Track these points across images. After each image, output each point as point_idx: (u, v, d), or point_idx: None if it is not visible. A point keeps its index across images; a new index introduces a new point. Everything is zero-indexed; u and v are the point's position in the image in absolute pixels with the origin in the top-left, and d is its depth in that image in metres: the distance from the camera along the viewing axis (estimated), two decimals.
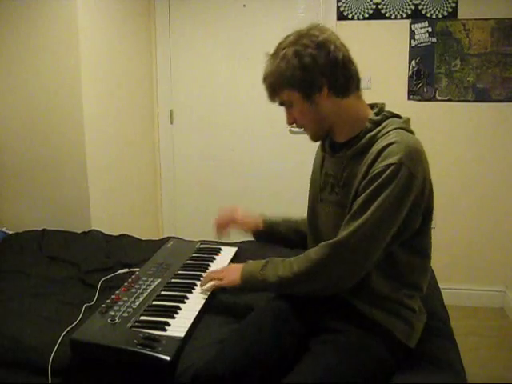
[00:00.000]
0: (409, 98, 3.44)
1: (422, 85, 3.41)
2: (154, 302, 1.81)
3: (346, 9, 3.42)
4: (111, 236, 2.78)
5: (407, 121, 1.59)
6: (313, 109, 1.55)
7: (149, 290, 1.90)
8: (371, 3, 3.39)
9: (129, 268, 2.28)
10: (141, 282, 1.97)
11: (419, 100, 3.44)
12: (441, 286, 2.21)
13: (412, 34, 3.37)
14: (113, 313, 1.71)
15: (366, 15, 3.41)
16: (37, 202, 3.03)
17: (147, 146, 3.75)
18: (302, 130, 1.65)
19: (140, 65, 3.60)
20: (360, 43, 3.45)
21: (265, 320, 1.61)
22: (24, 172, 3.01)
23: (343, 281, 1.50)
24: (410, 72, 3.42)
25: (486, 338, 3.12)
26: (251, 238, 2.07)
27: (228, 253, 2.31)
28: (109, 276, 2.20)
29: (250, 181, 3.78)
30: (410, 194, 1.43)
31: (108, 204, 3.14)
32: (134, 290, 1.90)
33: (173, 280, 2.01)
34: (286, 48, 1.51)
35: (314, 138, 1.66)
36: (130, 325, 1.64)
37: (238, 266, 1.74)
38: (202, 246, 2.44)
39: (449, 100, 3.41)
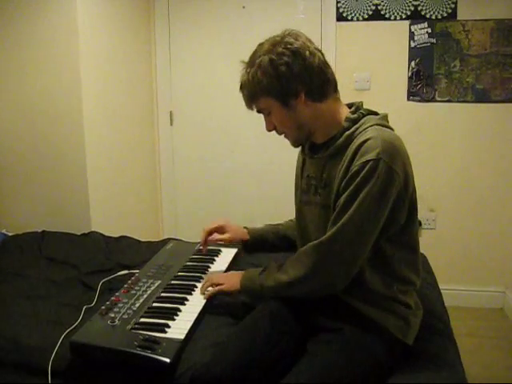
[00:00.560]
0: (408, 99, 3.44)
1: (421, 86, 3.41)
2: (154, 304, 1.81)
3: (346, 10, 3.42)
4: (111, 238, 2.78)
5: (384, 117, 1.59)
6: (291, 115, 1.57)
7: (149, 292, 1.90)
8: (370, 4, 3.39)
9: (129, 270, 2.28)
10: (141, 284, 1.97)
11: (419, 101, 3.44)
12: (441, 286, 2.21)
13: (411, 34, 3.37)
14: (113, 314, 1.71)
15: (366, 16, 3.41)
16: (36, 204, 3.03)
17: (147, 147, 3.75)
18: (283, 136, 1.66)
19: (140, 66, 3.60)
20: (359, 44, 3.45)
21: (262, 321, 1.62)
22: (24, 174, 3.01)
23: (337, 280, 1.52)
24: (410, 73, 3.42)
25: (485, 339, 3.12)
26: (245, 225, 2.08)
27: (228, 254, 2.31)
28: (109, 278, 2.20)
29: (249, 182, 3.78)
30: (391, 188, 1.44)
31: (108, 206, 3.14)
32: (133, 292, 1.90)
33: (173, 282, 2.01)
34: (262, 56, 1.52)
35: (295, 144, 1.68)
36: (129, 327, 1.64)
37: (238, 273, 1.78)
38: (201, 247, 2.43)
39: (448, 101, 3.41)
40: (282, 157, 3.57)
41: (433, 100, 3.42)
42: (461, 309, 3.35)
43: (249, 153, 3.75)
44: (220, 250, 2.35)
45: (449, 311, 1.97)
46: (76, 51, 2.80)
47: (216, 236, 2.01)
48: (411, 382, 1.46)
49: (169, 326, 1.65)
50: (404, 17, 3.37)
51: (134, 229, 3.27)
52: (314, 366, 1.44)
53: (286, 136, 1.66)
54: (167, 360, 1.49)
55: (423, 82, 3.40)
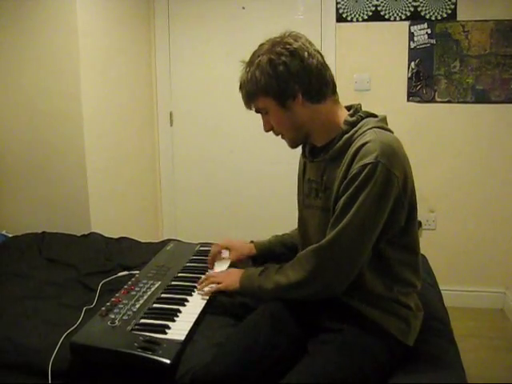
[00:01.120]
0: (408, 100, 3.45)
1: (421, 86, 3.41)
2: (154, 305, 1.81)
3: (345, 11, 3.42)
4: (111, 239, 2.78)
5: (383, 119, 1.59)
6: (288, 116, 1.57)
7: (149, 293, 1.90)
8: (370, 5, 3.39)
9: (129, 271, 2.28)
10: (141, 285, 1.97)
11: (418, 101, 3.44)
12: (441, 287, 2.21)
13: (411, 35, 3.37)
14: (113, 316, 1.71)
15: (365, 17, 3.41)
16: (36, 205, 3.03)
17: (147, 148, 3.75)
18: (279, 137, 1.67)
19: (139, 67, 3.60)
20: (359, 45, 3.45)
21: (262, 322, 1.62)
22: (24, 175, 3.01)
23: (336, 284, 1.52)
24: (410, 73, 3.42)
25: (485, 339, 3.12)
26: (250, 238, 2.12)
27: (228, 255, 2.30)
28: (109, 279, 2.20)
29: (249, 183, 3.78)
30: (390, 191, 1.44)
31: (108, 207, 3.14)
32: (133, 293, 1.89)
33: (173, 283, 2.01)
34: (261, 56, 1.54)
35: (292, 145, 1.68)
36: (130, 328, 1.64)
37: (238, 272, 1.78)
38: (201, 248, 2.44)
39: (448, 101, 3.41)
40: (281, 157, 3.56)
41: (433, 101, 3.42)
42: (461, 309, 3.35)
43: (248, 153, 3.75)
44: (220, 252, 2.35)
45: (449, 312, 1.97)
46: (76, 51, 2.80)
47: (224, 256, 2.10)
48: (411, 382, 1.46)
49: (169, 327, 1.65)
50: (404, 17, 3.37)
51: (133, 230, 3.27)
52: (313, 366, 1.44)
53: (282, 137, 1.66)
54: (167, 361, 1.49)
55: (423, 83, 3.41)
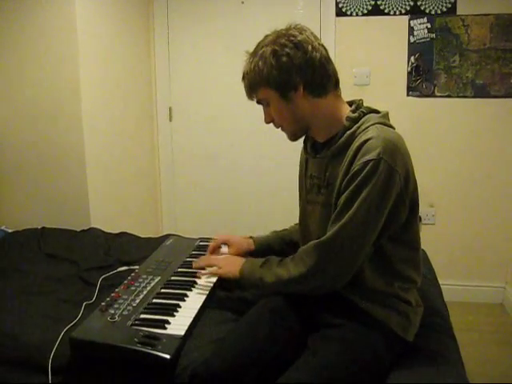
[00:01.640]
0: (408, 94, 3.44)
1: (420, 81, 3.41)
2: (154, 300, 1.81)
3: (345, 5, 3.41)
4: (111, 234, 2.78)
5: (385, 115, 1.59)
6: (289, 108, 1.57)
7: (148, 288, 1.90)
8: None
9: (128, 266, 2.28)
10: (140, 280, 1.97)
11: (418, 96, 3.43)
12: (441, 282, 2.22)
13: (411, 30, 3.36)
14: (112, 311, 1.71)
15: (365, 11, 3.40)
16: (36, 200, 3.03)
17: (146, 143, 3.75)
18: (279, 129, 1.66)
19: (139, 62, 3.59)
20: (359, 39, 3.45)
21: (262, 317, 1.62)
22: (23, 170, 3.01)
23: (337, 279, 1.52)
24: (409, 68, 3.41)
25: (485, 334, 3.13)
26: (250, 233, 2.11)
27: (226, 250, 2.30)
28: (108, 274, 2.20)
29: (249, 177, 3.78)
30: (391, 188, 1.44)
31: (107, 202, 3.14)
32: (133, 288, 1.89)
33: (172, 278, 2.01)
34: (265, 47, 1.54)
35: (292, 138, 1.67)
36: (129, 323, 1.64)
37: (239, 260, 1.77)
38: (201, 243, 2.44)
39: (448, 96, 3.40)
40: (281, 152, 3.57)
41: (432, 95, 3.42)
42: (461, 304, 3.36)
43: (248, 148, 3.75)
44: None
45: (448, 306, 1.98)
46: (75, 47, 2.79)
47: (223, 251, 2.07)
48: (411, 378, 1.46)
49: (169, 322, 1.65)
50: (403, 12, 3.36)
51: (133, 225, 3.28)
52: (314, 362, 1.44)
53: (282, 129, 1.66)
54: (167, 356, 1.49)
55: (423, 77, 3.40)
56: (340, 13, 3.43)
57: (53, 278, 2.24)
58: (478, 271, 3.55)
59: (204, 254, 2.20)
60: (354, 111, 1.58)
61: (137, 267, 2.15)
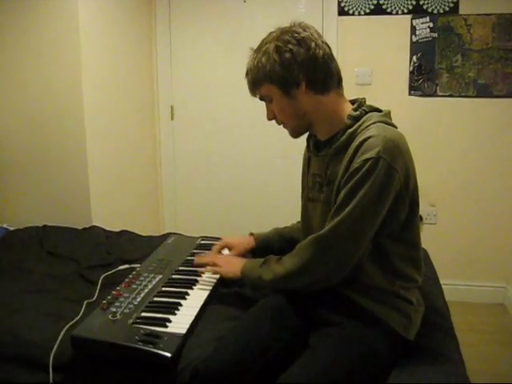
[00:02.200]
0: (410, 94, 3.44)
1: (422, 80, 3.41)
2: (155, 299, 1.81)
3: (347, 4, 3.41)
4: (112, 232, 2.78)
5: (387, 114, 1.59)
6: (291, 104, 1.57)
7: (150, 287, 1.90)
8: None
9: (129, 264, 2.27)
10: (142, 278, 1.97)
11: (420, 95, 3.43)
12: (441, 281, 2.21)
13: (413, 29, 3.36)
14: (114, 309, 1.71)
15: (367, 10, 3.40)
16: (37, 199, 3.03)
17: (148, 141, 3.75)
18: (282, 126, 1.67)
19: (140, 61, 3.59)
20: (361, 39, 3.45)
21: (263, 315, 1.63)
22: (25, 168, 3.01)
23: (332, 274, 1.52)
24: (411, 67, 3.41)
25: (486, 334, 3.13)
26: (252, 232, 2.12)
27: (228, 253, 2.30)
28: (110, 272, 2.20)
29: (250, 176, 3.78)
30: (390, 187, 1.44)
31: (109, 200, 3.14)
32: (134, 286, 1.90)
33: (174, 276, 2.01)
34: (268, 43, 1.55)
35: (294, 135, 1.68)
36: (131, 321, 1.64)
37: (240, 261, 1.79)
38: (202, 241, 2.44)
39: (450, 95, 3.40)
40: (283, 151, 3.57)
41: (434, 95, 3.41)
42: (461, 304, 3.35)
43: (250, 147, 3.75)
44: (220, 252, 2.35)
45: (449, 306, 1.97)
46: (77, 46, 2.79)
47: (225, 252, 2.09)
48: (412, 376, 1.46)
49: (170, 321, 1.65)
50: (406, 11, 3.36)
51: (134, 223, 3.27)
52: (315, 360, 1.44)
53: (284, 126, 1.66)
54: (168, 354, 1.49)
55: (425, 77, 3.40)
56: (342, 12, 3.43)
57: (54, 276, 2.24)
58: (478, 271, 3.55)
59: (205, 253, 2.20)
60: (355, 109, 1.58)
61: (138, 265, 2.15)
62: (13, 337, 1.72)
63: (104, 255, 2.47)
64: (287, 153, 3.52)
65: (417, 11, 3.34)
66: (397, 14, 3.37)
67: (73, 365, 1.61)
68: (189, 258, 2.21)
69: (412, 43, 3.38)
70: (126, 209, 3.36)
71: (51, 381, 1.59)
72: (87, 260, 2.39)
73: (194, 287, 1.90)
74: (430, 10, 3.32)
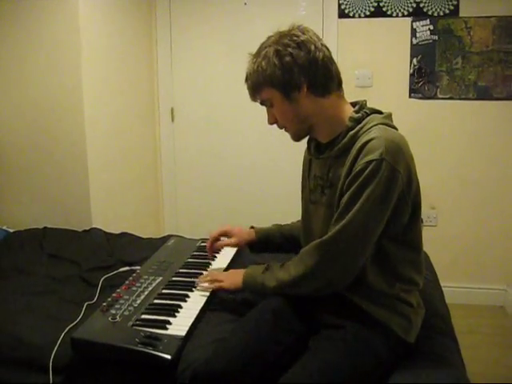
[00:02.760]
0: (410, 96, 3.44)
1: (423, 83, 3.41)
2: (155, 301, 1.81)
3: (347, 6, 3.41)
4: (112, 234, 2.78)
5: (389, 116, 1.59)
6: (293, 108, 1.57)
7: (150, 289, 1.90)
8: (372, 1, 3.38)
9: (130, 266, 2.28)
10: (142, 281, 1.97)
11: (420, 98, 3.43)
12: (442, 284, 2.21)
13: (413, 31, 3.36)
14: (114, 311, 1.71)
15: (368, 13, 3.40)
16: (38, 201, 3.03)
17: (148, 143, 3.75)
18: (283, 130, 1.66)
19: (141, 63, 3.59)
20: (361, 41, 3.45)
21: (264, 318, 1.62)
22: (25, 170, 3.01)
23: (338, 279, 1.52)
24: (412, 70, 3.41)
25: (486, 336, 3.12)
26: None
27: (229, 251, 2.31)
28: (110, 274, 2.20)
29: (251, 179, 3.78)
30: (393, 188, 1.44)
31: (109, 202, 3.14)
32: (135, 289, 1.90)
33: (174, 278, 2.01)
34: (268, 47, 1.54)
35: (295, 138, 1.67)
36: (131, 323, 1.64)
37: (240, 271, 1.78)
38: (203, 244, 2.43)
39: (450, 98, 3.40)
40: (283, 153, 3.57)
41: (434, 97, 3.42)
42: (462, 306, 3.35)
43: (250, 149, 3.75)
44: (218, 239, 2.34)
45: (450, 308, 1.97)
46: (77, 47, 2.79)
47: (223, 242, 2.04)
48: (412, 379, 1.46)
49: (170, 323, 1.65)
50: (406, 14, 3.36)
51: (135, 225, 3.27)
52: (315, 362, 1.44)
53: (286, 130, 1.66)
54: (168, 357, 1.49)
55: (425, 79, 3.40)
56: (342, 14, 3.43)
57: (54, 278, 2.24)
58: (479, 273, 3.55)
59: (205, 255, 2.20)
60: (357, 112, 1.58)
61: (138, 268, 2.15)
62: (13, 339, 1.72)
63: (104, 257, 2.47)
64: (287, 155, 3.52)
65: (417, 14, 3.35)
66: (397, 16, 3.38)
67: (73, 367, 1.61)
68: (189, 260, 2.22)
69: (412, 46, 3.39)
70: (126, 211, 3.36)
71: (51, 383, 1.59)
72: (87, 262, 2.39)
73: (194, 289, 1.90)
74: (430, 12, 3.33)
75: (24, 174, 3.02)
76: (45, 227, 2.82)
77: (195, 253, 2.31)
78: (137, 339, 1.55)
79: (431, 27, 3.33)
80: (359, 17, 3.42)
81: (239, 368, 1.46)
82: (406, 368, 1.51)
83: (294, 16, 3.51)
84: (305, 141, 1.73)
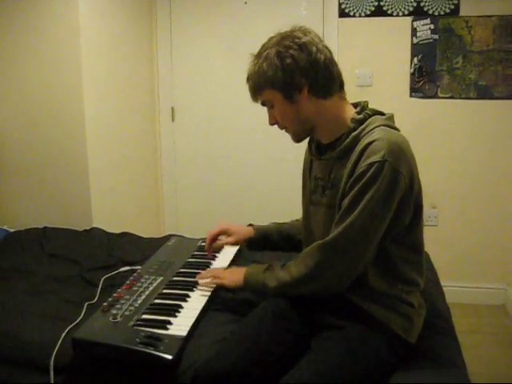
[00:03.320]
0: (411, 96, 3.44)
1: (423, 82, 3.40)
2: (156, 301, 1.81)
3: (348, 6, 3.41)
4: (113, 234, 2.78)
5: (391, 117, 1.59)
6: (293, 109, 1.57)
7: (151, 289, 1.90)
8: (373, 0, 3.38)
9: (130, 266, 2.28)
10: (142, 280, 1.97)
11: (421, 97, 3.43)
12: (442, 283, 2.21)
13: (414, 31, 3.36)
14: (115, 311, 1.71)
15: (368, 12, 3.40)
16: (38, 200, 3.03)
17: (148, 143, 3.75)
18: (283, 131, 1.66)
19: (141, 62, 3.59)
20: (362, 40, 3.45)
21: (265, 318, 1.63)
22: (26, 170, 3.02)
23: (339, 281, 1.52)
24: (412, 69, 3.41)
25: (487, 336, 3.12)
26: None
27: (230, 251, 2.30)
28: (110, 274, 2.20)
29: (252, 178, 3.78)
30: (396, 190, 1.44)
31: (109, 202, 3.14)
32: (135, 288, 1.90)
33: (174, 278, 2.01)
34: (269, 49, 1.54)
35: (296, 139, 1.67)
36: (131, 323, 1.64)
37: (241, 269, 1.78)
38: (203, 243, 2.42)
39: (451, 97, 3.40)
40: (284, 153, 3.57)
41: (435, 96, 3.41)
42: (462, 306, 3.35)
43: (250, 148, 3.75)
44: (217, 238, 2.34)
45: (450, 308, 1.97)
46: (78, 47, 2.79)
47: (222, 240, 2.03)
48: (413, 379, 1.46)
49: (171, 323, 1.65)
50: (406, 13, 3.36)
51: (135, 225, 3.28)
52: (316, 363, 1.44)
53: (287, 130, 1.66)
54: (169, 357, 1.49)
55: (425, 79, 3.40)
56: (343, 14, 3.43)
57: (55, 277, 2.24)
58: (479, 273, 3.55)
59: (206, 255, 2.20)
60: (359, 113, 1.58)
61: (139, 267, 2.15)
62: (14, 338, 1.72)
63: (105, 257, 2.47)
64: (288, 155, 3.51)
65: (417, 13, 3.34)
66: (397, 15, 3.37)
67: (73, 367, 1.61)
68: (190, 260, 2.22)
69: (413, 45, 3.38)
70: (126, 210, 3.36)
71: (52, 382, 1.59)
72: (88, 262, 2.39)
73: (195, 289, 1.90)
74: (430, 11, 3.32)
75: (24, 174, 3.02)
76: (45, 227, 2.82)
77: (196, 252, 2.31)
78: (138, 339, 1.54)
79: (432, 26, 3.33)
80: (360, 16, 3.42)
81: (240, 368, 1.46)
82: (407, 368, 1.51)
83: (295, 15, 3.51)
84: (305, 141, 1.74)
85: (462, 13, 3.29)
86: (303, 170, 1.79)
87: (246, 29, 3.58)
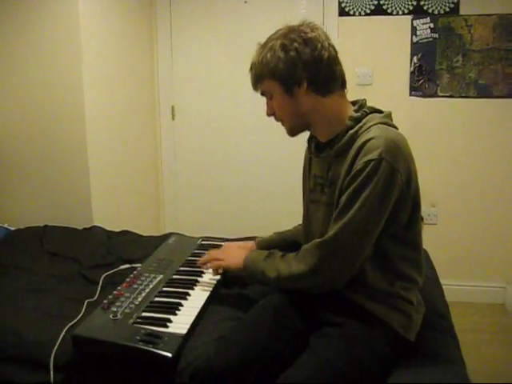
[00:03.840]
0: (410, 94, 3.44)
1: (423, 81, 3.41)
2: (156, 299, 1.82)
3: (348, 5, 3.41)
4: (113, 232, 2.79)
5: (388, 115, 1.59)
6: (291, 102, 1.58)
7: (151, 286, 1.90)
8: None
9: (130, 264, 2.28)
10: (142, 278, 1.97)
11: (421, 96, 3.43)
12: (442, 281, 2.22)
13: (414, 29, 3.36)
14: (115, 309, 1.72)
15: (368, 11, 3.40)
16: (39, 198, 3.03)
17: (149, 142, 3.75)
18: (280, 123, 1.67)
19: (141, 61, 3.59)
20: (361, 39, 3.45)
21: (264, 315, 1.63)
22: (26, 168, 3.02)
23: (337, 278, 1.52)
24: (412, 68, 3.41)
25: (486, 334, 3.12)
26: (252, 234, 2.08)
27: None
28: (110, 272, 2.21)
29: (252, 176, 3.78)
30: (393, 188, 1.44)
31: (110, 200, 3.15)
32: (135, 286, 1.90)
33: (174, 276, 2.01)
34: (275, 40, 1.55)
35: (290, 133, 1.68)
36: (131, 321, 1.65)
37: (242, 251, 1.80)
38: (203, 242, 2.44)
39: (450, 96, 3.40)
40: (284, 151, 3.56)
41: (435, 95, 3.41)
42: (462, 304, 3.35)
43: (251, 147, 3.75)
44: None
45: (450, 306, 1.98)
46: (78, 45, 2.79)
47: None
48: (412, 377, 1.46)
49: (171, 321, 1.65)
50: (406, 12, 3.36)
51: (135, 223, 3.28)
52: (315, 360, 1.44)
53: (282, 123, 1.67)
54: (169, 354, 1.50)
55: (425, 78, 3.40)
56: (343, 12, 3.43)
57: (55, 275, 2.24)
58: (479, 271, 3.55)
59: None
60: (356, 111, 1.58)
61: (139, 265, 2.16)
62: (14, 336, 1.72)
63: (105, 255, 2.47)
64: (289, 153, 3.51)
65: (417, 12, 3.35)
66: (397, 14, 3.37)
67: (73, 364, 1.61)
68: (190, 258, 2.22)
69: (412, 44, 3.38)
70: (127, 209, 3.36)
71: (52, 380, 1.60)
72: (88, 260, 2.39)
73: (194, 287, 1.91)
74: (430, 10, 3.33)
75: (25, 173, 3.03)
76: (45, 225, 2.83)
77: (196, 251, 2.31)
78: (137, 337, 1.55)
79: (431, 25, 3.33)
80: (359, 15, 3.42)
81: (240, 366, 1.46)
82: (406, 366, 1.51)
83: (295, 14, 3.51)
84: (306, 139, 1.74)
85: (462, 12, 3.29)
86: (303, 169, 1.79)
87: (246, 28, 3.58)
